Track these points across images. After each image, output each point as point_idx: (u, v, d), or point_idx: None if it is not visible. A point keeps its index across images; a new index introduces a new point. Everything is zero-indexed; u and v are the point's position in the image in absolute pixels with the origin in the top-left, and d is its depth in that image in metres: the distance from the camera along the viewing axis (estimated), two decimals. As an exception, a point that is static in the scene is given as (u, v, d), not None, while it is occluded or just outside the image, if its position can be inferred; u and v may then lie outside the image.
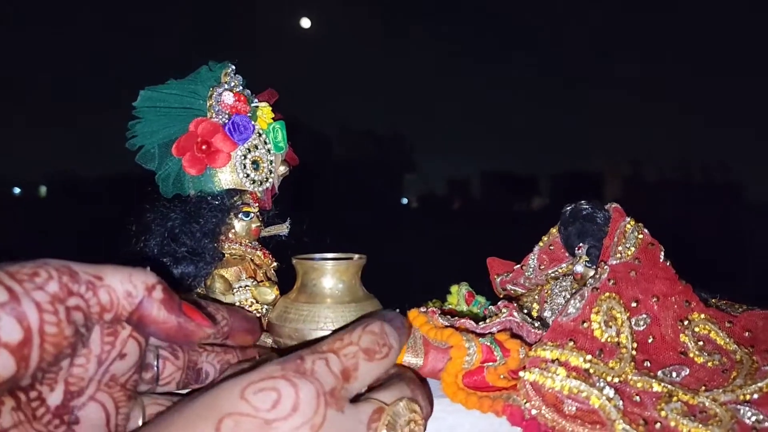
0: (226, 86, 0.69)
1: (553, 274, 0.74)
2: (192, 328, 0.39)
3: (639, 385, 0.54)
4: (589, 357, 0.52)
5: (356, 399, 0.39)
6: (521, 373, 0.52)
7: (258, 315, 0.67)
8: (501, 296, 0.80)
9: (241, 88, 0.70)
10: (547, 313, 0.67)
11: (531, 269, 0.74)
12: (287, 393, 0.34)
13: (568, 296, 0.66)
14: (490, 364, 0.58)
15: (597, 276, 0.59)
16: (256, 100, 0.72)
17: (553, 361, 0.52)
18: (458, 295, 0.80)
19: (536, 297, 0.74)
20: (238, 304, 0.66)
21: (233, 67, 0.71)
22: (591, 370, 0.52)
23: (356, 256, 0.64)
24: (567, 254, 0.72)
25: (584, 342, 0.54)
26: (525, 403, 0.51)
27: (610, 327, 0.56)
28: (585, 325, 0.55)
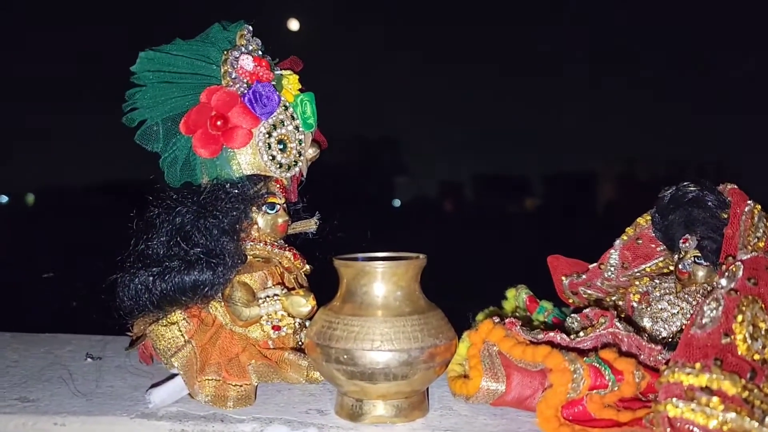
0: (243, 49, 0.55)
1: (638, 274, 0.61)
2: None
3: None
4: (743, 381, 0.40)
5: None
6: (659, 407, 0.40)
7: (289, 331, 0.54)
8: (570, 301, 0.68)
9: (261, 52, 0.57)
10: (646, 321, 0.54)
11: (612, 268, 0.62)
12: None
13: (675, 300, 0.54)
14: (599, 391, 0.45)
15: (729, 274, 0.46)
16: (279, 69, 0.59)
17: (702, 390, 0.39)
18: (517, 301, 0.67)
19: (619, 302, 0.62)
20: (265, 317, 0.52)
21: (250, 27, 0.58)
22: (750, 399, 0.39)
23: (415, 255, 0.51)
24: (660, 249, 0.59)
25: (733, 361, 0.41)
26: None
27: (756, 340, 0.43)
28: (728, 339, 0.42)
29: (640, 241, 0.61)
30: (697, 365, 0.40)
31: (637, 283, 0.60)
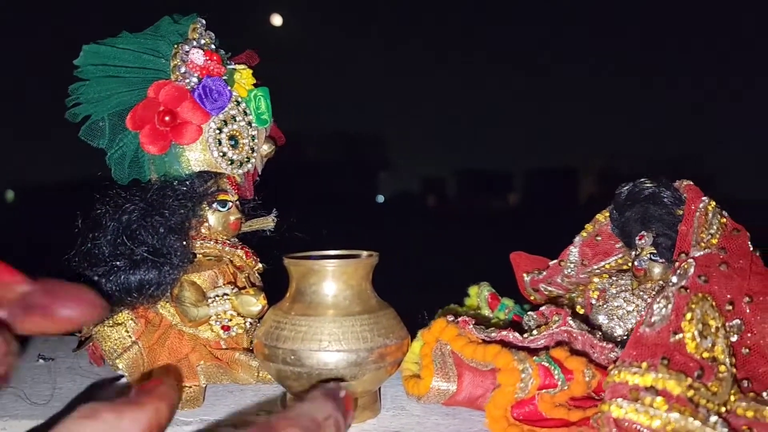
0: (194, 43, 0.54)
1: (598, 271, 0.61)
2: None
3: (749, 414, 0.41)
4: (689, 381, 0.39)
5: None
6: (603, 407, 0.39)
7: (239, 331, 0.53)
8: (531, 298, 0.67)
9: (213, 46, 0.56)
10: (601, 319, 0.54)
11: (572, 265, 0.61)
12: None
13: (631, 297, 0.53)
14: (548, 390, 0.45)
15: (681, 272, 0.46)
16: (232, 63, 0.57)
17: (647, 389, 0.38)
18: (479, 298, 0.67)
19: (579, 299, 0.61)
20: (215, 317, 0.51)
21: (203, 21, 0.56)
22: (696, 399, 0.39)
23: (365, 253, 0.50)
24: (618, 246, 0.59)
25: (681, 360, 0.41)
26: None
27: (705, 338, 0.43)
28: (676, 337, 0.42)
29: (599, 238, 0.60)
30: (644, 364, 0.40)
31: (596, 280, 0.59)
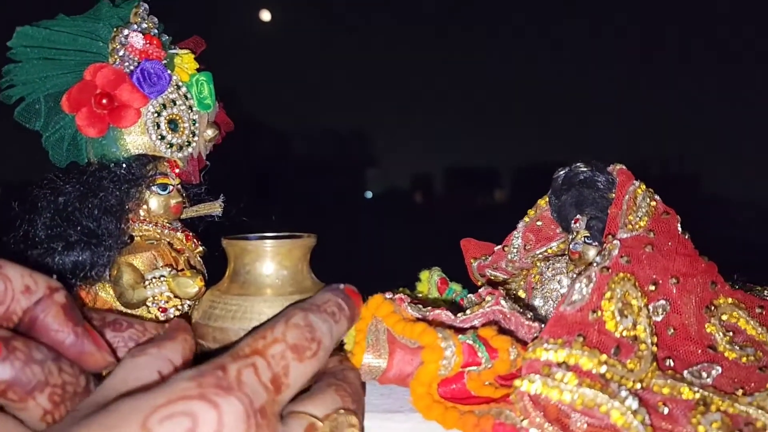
0: (135, 27, 0.54)
1: (541, 255, 0.62)
2: (88, 349, 0.33)
3: (665, 391, 0.42)
4: (604, 357, 0.40)
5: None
6: (516, 382, 0.40)
7: (177, 313, 0.53)
8: (479, 284, 0.68)
9: (156, 31, 0.56)
10: (538, 301, 0.55)
11: (515, 250, 0.62)
12: (206, 419, 0.27)
13: (565, 280, 0.54)
14: (473, 368, 0.45)
15: (605, 253, 0.47)
16: (176, 48, 0.58)
17: (559, 365, 0.39)
18: (429, 282, 0.67)
19: (522, 283, 0.62)
20: (151, 299, 0.52)
21: (146, 6, 0.56)
22: (608, 375, 0.40)
23: (304, 235, 0.51)
24: (559, 231, 0.60)
25: (596, 338, 0.42)
26: (522, 420, 0.39)
27: (626, 317, 0.44)
28: (595, 315, 0.43)
29: (540, 223, 0.61)
30: (559, 341, 0.41)
31: (538, 264, 0.60)
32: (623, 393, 0.39)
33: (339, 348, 0.47)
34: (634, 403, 0.38)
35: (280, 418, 0.31)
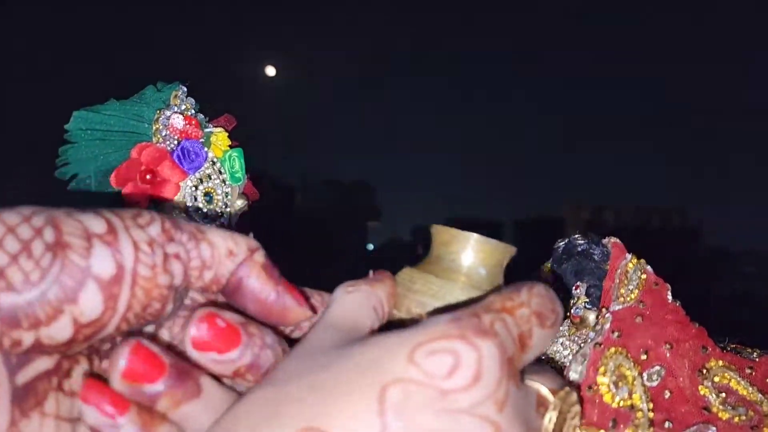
0: (175, 108, 0.60)
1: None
2: (290, 304, 0.34)
3: (662, 454, 0.45)
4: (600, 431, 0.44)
5: None
6: None
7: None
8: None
9: (193, 111, 0.62)
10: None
11: (521, 313, 0.66)
12: (468, 358, 0.28)
13: (567, 342, 0.58)
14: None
15: (598, 327, 0.51)
16: (210, 126, 0.63)
17: None
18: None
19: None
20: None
21: (184, 88, 0.63)
22: None
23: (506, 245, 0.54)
24: (561, 295, 0.64)
25: (593, 413, 0.45)
26: None
27: (621, 388, 0.48)
28: (592, 390, 0.46)
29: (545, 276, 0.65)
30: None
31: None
32: None
33: None
34: None
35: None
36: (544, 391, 0.33)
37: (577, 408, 0.37)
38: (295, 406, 0.27)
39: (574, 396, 0.36)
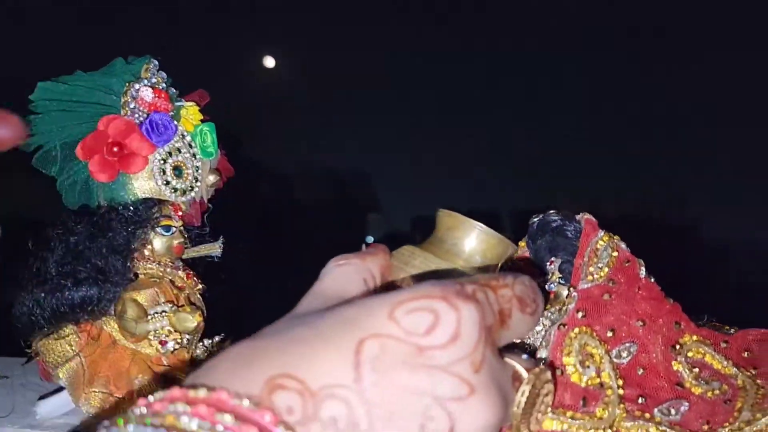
0: (145, 82, 0.59)
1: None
2: None
3: (633, 432, 0.45)
4: (570, 413, 0.43)
5: None
6: None
7: (177, 347, 0.56)
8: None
9: (164, 85, 0.61)
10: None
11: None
12: (447, 317, 0.28)
13: (541, 318, 0.57)
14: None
15: (563, 309, 0.50)
16: (182, 101, 0.62)
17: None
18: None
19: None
20: (153, 333, 0.55)
21: (156, 62, 0.61)
22: (572, 430, 0.42)
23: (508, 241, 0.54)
24: (537, 270, 0.63)
25: (560, 395, 0.45)
26: None
27: (588, 367, 0.47)
28: (558, 373, 0.46)
29: (521, 263, 0.64)
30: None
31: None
32: None
33: None
34: None
35: None
36: (519, 367, 0.34)
37: (550, 386, 0.37)
38: (272, 355, 0.27)
39: (548, 374, 0.36)
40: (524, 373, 0.34)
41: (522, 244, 0.65)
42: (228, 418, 0.25)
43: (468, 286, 0.30)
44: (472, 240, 0.50)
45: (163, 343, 0.55)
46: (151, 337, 0.55)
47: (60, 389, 0.55)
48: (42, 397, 0.54)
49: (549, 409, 0.41)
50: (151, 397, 0.26)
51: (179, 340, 0.56)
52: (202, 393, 0.26)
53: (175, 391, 0.26)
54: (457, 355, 0.28)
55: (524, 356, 0.36)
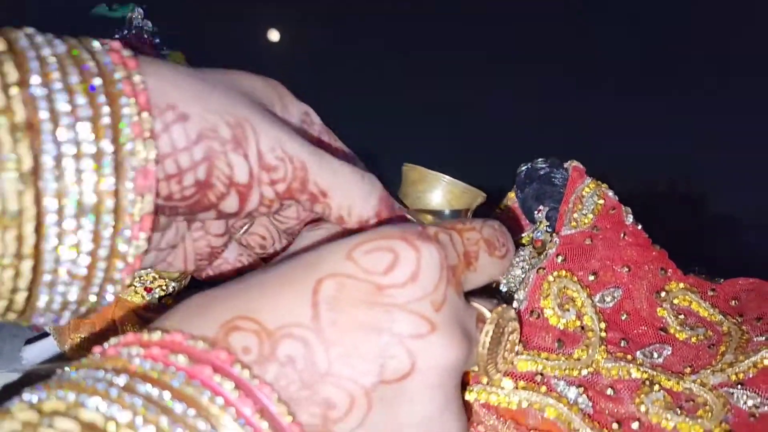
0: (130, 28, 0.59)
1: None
2: None
3: (614, 373, 0.45)
4: (544, 355, 0.43)
5: None
6: (466, 396, 0.42)
7: (162, 293, 0.56)
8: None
9: (149, 33, 0.60)
10: (502, 287, 0.58)
11: (486, 243, 0.65)
12: (407, 256, 0.28)
13: (528, 267, 0.57)
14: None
15: (544, 253, 0.50)
16: (167, 51, 0.62)
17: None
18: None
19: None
20: (137, 279, 0.55)
21: (141, 10, 0.61)
22: (547, 371, 0.42)
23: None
24: (527, 221, 0.63)
25: (534, 337, 0.44)
26: (477, 425, 0.40)
27: (568, 310, 0.47)
28: (534, 315, 0.45)
29: (511, 215, 0.64)
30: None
31: (508, 256, 0.63)
32: (561, 386, 0.41)
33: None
34: (573, 393, 0.41)
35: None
36: (483, 309, 0.34)
37: (514, 324, 0.37)
38: (230, 299, 0.27)
39: (512, 312, 0.36)
40: (488, 314, 0.34)
41: (511, 194, 0.65)
42: (182, 359, 0.24)
43: (430, 228, 0.30)
44: (437, 192, 0.50)
45: (148, 290, 0.55)
46: (136, 284, 0.55)
47: (46, 334, 0.55)
48: (28, 342, 0.54)
49: (517, 348, 0.42)
50: (106, 344, 0.26)
51: (164, 287, 0.56)
52: (156, 336, 0.26)
53: (129, 336, 0.26)
54: (416, 294, 0.27)
55: (494, 301, 0.37)
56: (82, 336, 0.53)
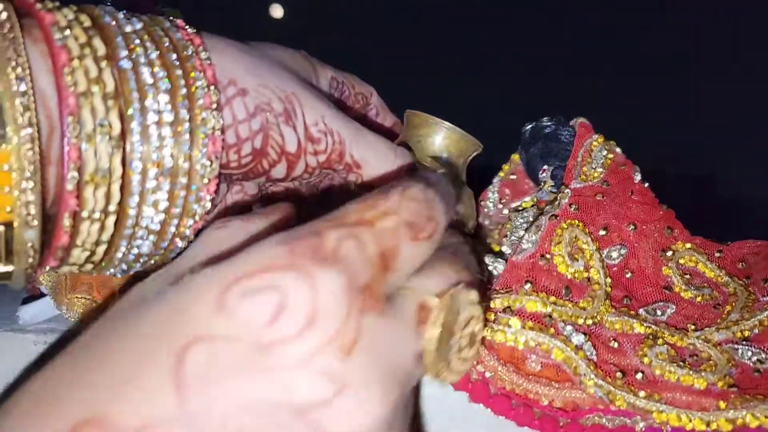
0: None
1: (516, 209, 0.64)
2: None
3: (617, 326, 0.44)
4: (552, 299, 0.42)
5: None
6: None
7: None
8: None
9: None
10: (506, 248, 0.57)
11: (491, 204, 0.64)
12: (297, 296, 0.21)
13: (527, 215, 0.56)
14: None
15: (556, 202, 0.49)
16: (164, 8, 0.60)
17: (504, 311, 0.41)
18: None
19: (496, 236, 0.64)
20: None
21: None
22: (555, 315, 0.41)
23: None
24: (532, 183, 0.62)
25: (545, 280, 0.44)
26: (476, 365, 0.40)
27: (577, 260, 0.46)
28: (544, 260, 0.45)
29: (515, 177, 0.63)
30: (503, 290, 0.42)
31: (512, 217, 0.62)
32: (568, 330, 0.40)
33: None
34: (579, 339, 0.40)
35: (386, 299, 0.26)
36: (428, 297, 0.27)
37: (475, 310, 0.30)
38: (81, 388, 0.22)
39: (471, 294, 0.29)
40: (432, 302, 0.27)
41: (515, 156, 0.63)
42: None
43: (330, 236, 0.24)
44: (436, 136, 0.50)
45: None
46: (134, 243, 0.55)
47: (43, 295, 0.54)
48: (25, 302, 0.54)
49: (493, 326, 0.40)
50: None
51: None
52: None
53: None
54: (315, 344, 0.21)
55: (452, 278, 0.30)
56: (79, 296, 0.52)
